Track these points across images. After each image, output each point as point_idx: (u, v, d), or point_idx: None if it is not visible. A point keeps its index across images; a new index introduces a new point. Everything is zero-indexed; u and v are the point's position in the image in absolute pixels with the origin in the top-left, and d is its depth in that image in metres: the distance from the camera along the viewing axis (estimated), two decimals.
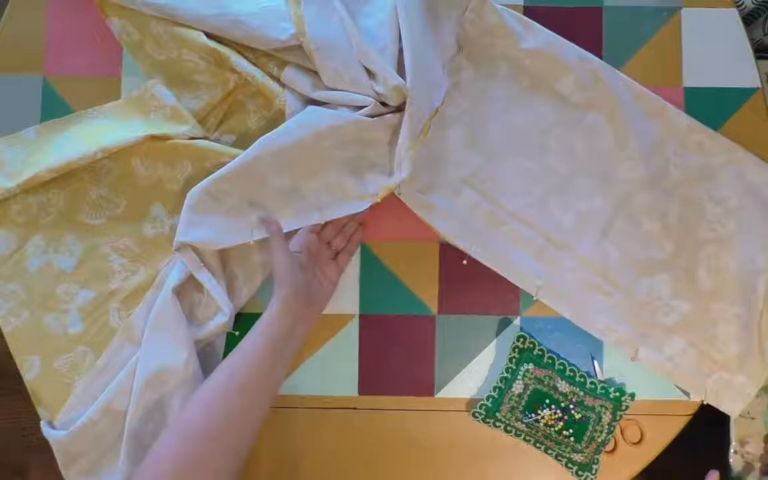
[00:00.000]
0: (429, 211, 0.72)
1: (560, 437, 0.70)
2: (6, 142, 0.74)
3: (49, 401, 0.72)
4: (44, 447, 0.69)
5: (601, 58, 0.74)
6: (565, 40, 0.73)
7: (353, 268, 0.74)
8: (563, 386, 0.70)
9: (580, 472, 0.71)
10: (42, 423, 0.71)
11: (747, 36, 0.76)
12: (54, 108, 0.76)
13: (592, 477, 0.70)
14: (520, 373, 0.70)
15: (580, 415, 0.70)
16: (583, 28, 0.75)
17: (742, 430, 0.84)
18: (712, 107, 0.74)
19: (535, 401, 0.70)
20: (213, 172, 0.67)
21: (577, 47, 0.73)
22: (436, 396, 0.73)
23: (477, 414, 0.71)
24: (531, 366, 0.70)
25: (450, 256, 0.74)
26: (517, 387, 0.70)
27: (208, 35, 0.71)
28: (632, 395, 0.70)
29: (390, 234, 0.74)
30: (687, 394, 0.72)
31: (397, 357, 0.73)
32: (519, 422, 0.70)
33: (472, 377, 0.73)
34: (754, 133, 0.74)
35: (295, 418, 0.73)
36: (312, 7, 0.69)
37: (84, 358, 0.72)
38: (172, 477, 0.57)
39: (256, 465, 0.72)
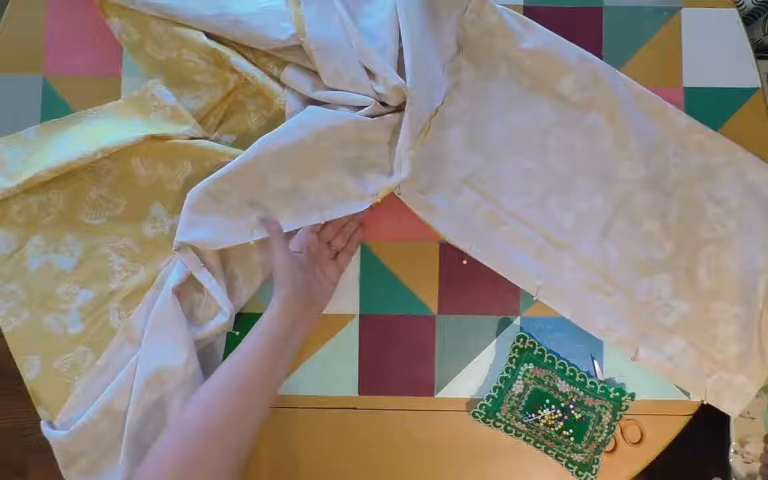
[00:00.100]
0: (429, 211, 0.72)
1: (560, 437, 0.70)
2: (6, 142, 0.74)
3: (49, 401, 0.72)
4: (44, 447, 0.69)
5: (601, 58, 0.74)
6: (565, 40, 0.73)
7: (353, 268, 0.74)
8: (563, 386, 0.70)
9: (580, 472, 0.71)
10: (42, 423, 0.71)
11: (747, 36, 0.76)
12: (54, 108, 0.76)
13: (592, 477, 0.70)
14: (520, 373, 0.70)
15: (580, 415, 0.70)
16: (583, 28, 0.75)
17: (742, 430, 0.84)
18: (712, 107, 0.74)
19: (535, 401, 0.70)
20: (213, 172, 0.67)
21: (577, 47, 0.74)
22: (436, 396, 0.73)
23: (477, 414, 0.71)
24: (531, 366, 0.70)
25: (450, 256, 0.74)
26: (517, 387, 0.70)
27: (208, 35, 0.71)
28: (632, 395, 0.70)
29: (390, 234, 0.74)
30: (687, 394, 0.72)
31: (397, 357, 0.73)
32: (519, 422, 0.70)
33: (472, 377, 0.73)
34: (754, 133, 0.74)
35: (294, 418, 0.73)
36: (312, 7, 0.69)
37: (84, 358, 0.72)
38: (171, 477, 0.57)
39: (256, 465, 0.72)
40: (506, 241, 0.73)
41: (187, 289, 0.71)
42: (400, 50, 0.68)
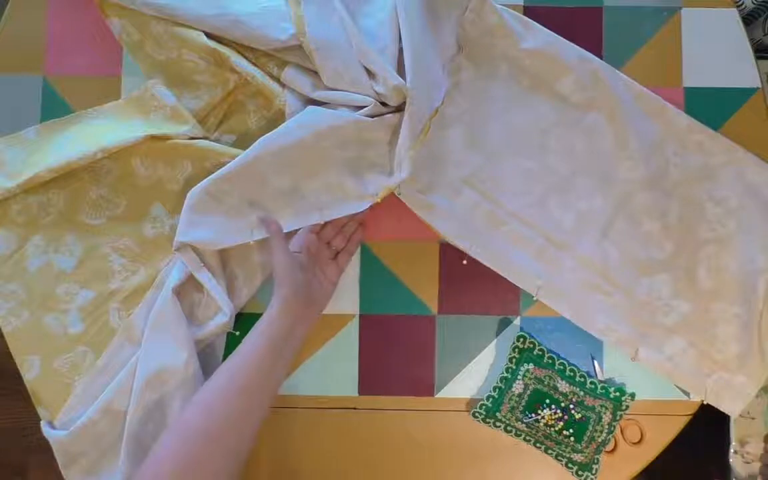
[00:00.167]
0: (429, 211, 0.72)
1: (560, 437, 0.70)
2: (6, 142, 0.74)
3: (49, 401, 0.72)
4: (44, 447, 0.69)
5: (601, 58, 0.74)
6: (565, 40, 0.73)
7: (353, 268, 0.74)
8: (563, 386, 0.70)
9: (580, 472, 0.71)
10: (42, 423, 0.71)
11: (747, 36, 0.76)
12: (54, 108, 0.76)
13: (592, 477, 0.70)
14: (520, 373, 0.70)
15: (580, 415, 0.70)
16: (583, 28, 0.75)
17: (742, 430, 0.84)
18: (712, 107, 0.74)
19: (535, 401, 0.70)
20: (213, 172, 0.67)
21: (577, 47, 0.73)
22: (436, 396, 0.73)
23: (477, 414, 0.71)
24: (531, 366, 0.70)
25: (450, 256, 0.74)
26: (517, 387, 0.70)
27: (208, 35, 0.71)
28: (632, 395, 0.70)
29: (390, 234, 0.74)
30: (687, 394, 0.72)
31: (397, 357, 0.73)
32: (519, 422, 0.70)
33: (472, 377, 0.73)
34: (754, 133, 0.74)
35: (294, 418, 0.73)
36: (312, 7, 0.69)
37: (84, 358, 0.72)
38: (171, 478, 0.57)
39: (256, 465, 0.72)
40: (506, 241, 0.73)
41: (187, 289, 0.71)
42: (400, 50, 0.68)
